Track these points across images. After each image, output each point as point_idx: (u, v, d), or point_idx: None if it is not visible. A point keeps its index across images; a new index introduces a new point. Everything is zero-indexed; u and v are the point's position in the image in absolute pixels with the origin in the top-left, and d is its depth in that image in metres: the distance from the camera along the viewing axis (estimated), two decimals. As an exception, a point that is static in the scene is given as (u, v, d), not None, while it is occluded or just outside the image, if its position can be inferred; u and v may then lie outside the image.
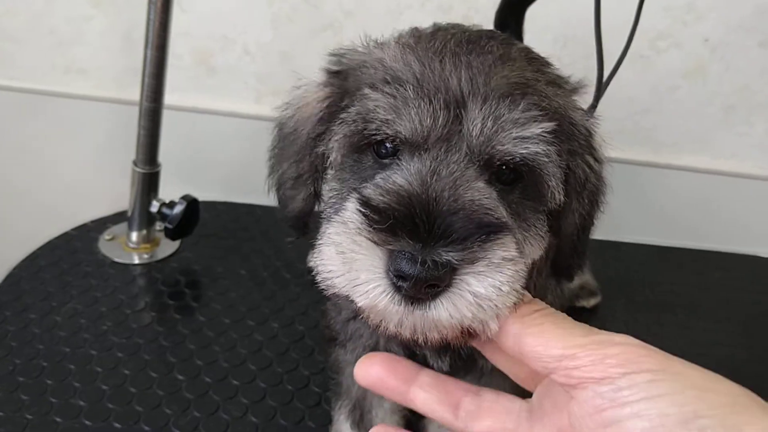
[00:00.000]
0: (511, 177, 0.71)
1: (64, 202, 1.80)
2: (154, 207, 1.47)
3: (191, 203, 1.45)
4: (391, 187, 0.65)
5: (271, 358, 1.27)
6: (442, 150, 0.67)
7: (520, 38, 1.17)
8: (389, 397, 0.72)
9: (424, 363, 0.80)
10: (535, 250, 0.74)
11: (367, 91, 0.70)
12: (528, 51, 0.77)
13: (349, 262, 0.62)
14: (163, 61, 1.35)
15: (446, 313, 0.60)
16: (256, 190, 1.59)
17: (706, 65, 1.60)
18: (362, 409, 1.03)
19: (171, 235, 1.46)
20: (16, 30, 1.64)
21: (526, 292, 0.66)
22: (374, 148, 0.72)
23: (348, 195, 0.69)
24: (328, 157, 0.76)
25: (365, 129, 0.70)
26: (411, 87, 0.68)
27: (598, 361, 0.56)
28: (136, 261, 1.49)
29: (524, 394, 0.70)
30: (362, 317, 0.67)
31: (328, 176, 0.78)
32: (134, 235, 1.51)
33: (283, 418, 1.15)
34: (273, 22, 1.60)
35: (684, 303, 1.52)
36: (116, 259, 1.48)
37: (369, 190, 0.66)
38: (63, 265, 1.46)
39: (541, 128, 0.67)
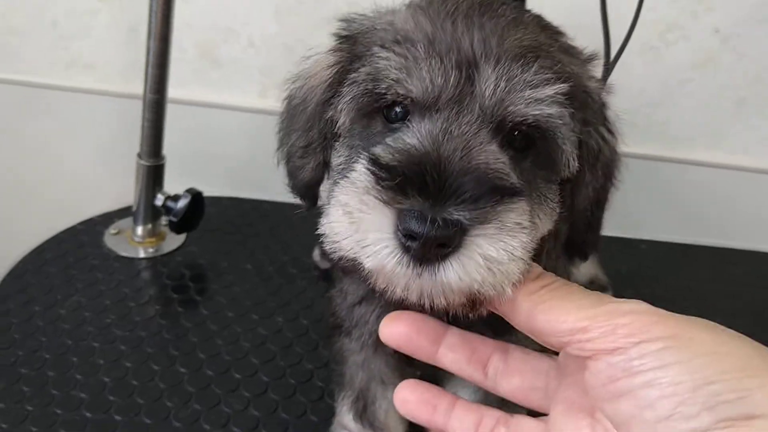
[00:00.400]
0: (524, 143, 0.69)
1: (70, 197, 1.80)
2: (159, 200, 1.46)
3: (196, 196, 1.45)
4: (401, 146, 0.64)
5: (274, 351, 1.25)
6: (454, 111, 0.65)
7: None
8: (417, 357, 0.70)
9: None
10: (546, 222, 0.72)
11: (376, 50, 0.69)
12: (540, 18, 0.76)
13: (356, 222, 0.61)
14: (167, 52, 1.35)
15: (455, 276, 0.58)
16: (261, 185, 1.61)
17: (716, 57, 1.57)
18: (365, 400, 1.01)
19: (176, 228, 1.45)
20: (21, 24, 1.64)
21: (535, 264, 0.64)
22: (384, 113, 0.70)
23: (357, 158, 0.67)
24: (337, 122, 0.74)
25: (375, 89, 0.68)
26: (422, 46, 0.66)
27: (609, 332, 0.55)
28: (142, 255, 1.48)
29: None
30: (371, 285, 0.64)
31: (337, 144, 0.76)
32: (139, 229, 1.50)
33: (284, 412, 1.13)
34: (277, 15, 1.59)
35: (695, 298, 1.49)
36: (122, 253, 1.48)
37: (378, 149, 0.64)
38: (69, 259, 1.45)
39: (555, 90, 0.65)
